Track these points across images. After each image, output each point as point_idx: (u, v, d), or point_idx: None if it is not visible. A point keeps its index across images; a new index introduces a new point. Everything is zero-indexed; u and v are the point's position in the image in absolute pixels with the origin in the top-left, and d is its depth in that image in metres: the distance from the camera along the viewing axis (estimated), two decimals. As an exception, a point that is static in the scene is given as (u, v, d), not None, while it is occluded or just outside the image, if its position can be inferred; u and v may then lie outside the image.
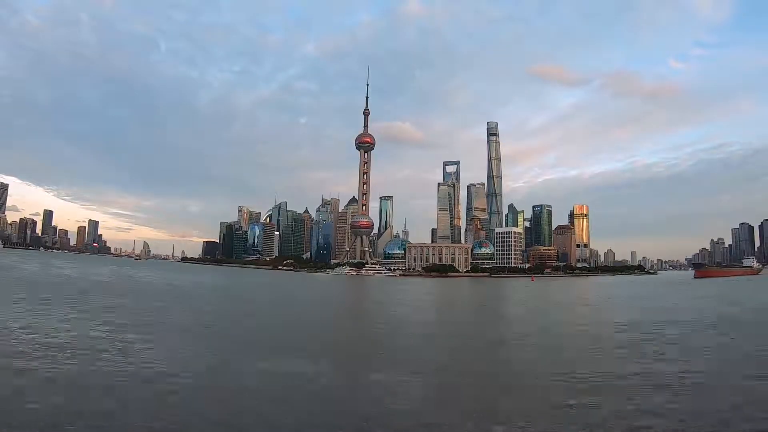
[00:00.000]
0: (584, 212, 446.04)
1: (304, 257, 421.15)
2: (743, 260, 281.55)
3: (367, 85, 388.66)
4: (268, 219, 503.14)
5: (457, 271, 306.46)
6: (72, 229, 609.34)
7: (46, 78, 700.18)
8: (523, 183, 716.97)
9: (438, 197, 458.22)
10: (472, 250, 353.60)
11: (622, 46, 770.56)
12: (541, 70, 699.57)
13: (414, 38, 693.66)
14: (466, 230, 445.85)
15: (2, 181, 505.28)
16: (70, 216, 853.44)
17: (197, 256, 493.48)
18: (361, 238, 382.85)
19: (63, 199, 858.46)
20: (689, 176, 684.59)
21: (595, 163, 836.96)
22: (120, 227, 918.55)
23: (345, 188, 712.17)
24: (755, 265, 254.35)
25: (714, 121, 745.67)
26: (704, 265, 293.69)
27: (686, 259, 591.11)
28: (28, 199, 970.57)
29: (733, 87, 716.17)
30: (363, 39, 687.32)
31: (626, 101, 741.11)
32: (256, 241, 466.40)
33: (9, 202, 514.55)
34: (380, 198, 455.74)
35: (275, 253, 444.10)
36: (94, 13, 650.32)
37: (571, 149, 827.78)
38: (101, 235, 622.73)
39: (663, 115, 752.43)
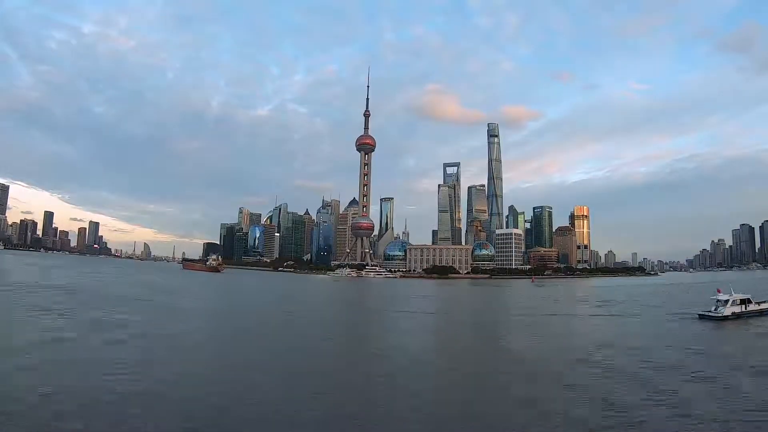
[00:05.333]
0: (584, 214, 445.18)
1: (305, 259, 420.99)
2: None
3: (368, 87, 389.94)
4: (268, 220, 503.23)
5: (458, 272, 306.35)
6: (73, 230, 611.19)
7: (61, 95, 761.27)
8: (512, 189, 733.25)
9: (438, 199, 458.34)
10: (472, 252, 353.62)
11: (589, 75, 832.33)
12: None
13: (392, 67, 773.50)
14: (466, 232, 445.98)
15: (2, 182, 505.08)
16: (71, 218, 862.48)
17: (197, 258, 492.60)
18: (362, 239, 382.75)
19: (67, 203, 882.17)
20: (684, 181, 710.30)
21: (577, 173, 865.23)
22: (122, 229, 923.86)
23: (345, 190, 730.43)
24: (212, 262, 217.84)
25: (687, 134, 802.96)
26: (191, 260, 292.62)
27: (687, 260, 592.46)
28: (34, 204, 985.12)
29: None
30: (347, 70, 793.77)
31: (601, 118, 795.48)
32: (256, 242, 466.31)
33: (15, 206, 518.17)
34: (381, 200, 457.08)
35: (276, 254, 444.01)
36: (111, 47, 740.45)
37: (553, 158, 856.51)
38: (102, 236, 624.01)
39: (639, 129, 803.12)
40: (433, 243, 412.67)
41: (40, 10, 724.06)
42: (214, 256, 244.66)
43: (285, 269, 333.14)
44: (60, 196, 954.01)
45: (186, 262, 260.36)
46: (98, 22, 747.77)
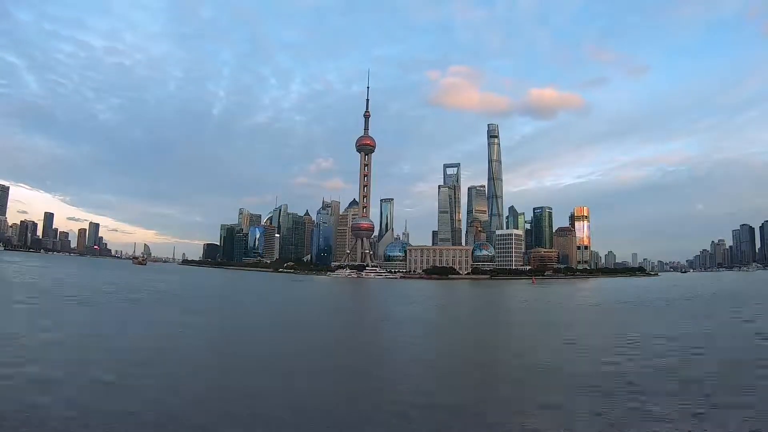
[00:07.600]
0: (585, 214, 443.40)
1: (305, 260, 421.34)
2: None
3: (368, 87, 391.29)
4: (268, 221, 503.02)
5: (458, 273, 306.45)
6: (74, 231, 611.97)
7: (66, 102, 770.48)
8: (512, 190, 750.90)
9: (438, 199, 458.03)
10: (472, 253, 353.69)
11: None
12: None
13: (386, 77, 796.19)
14: (466, 232, 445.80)
15: (3, 183, 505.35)
16: (71, 219, 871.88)
17: (198, 259, 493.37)
18: (362, 240, 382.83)
19: (69, 205, 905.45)
20: (680, 182, 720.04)
21: (575, 175, 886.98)
22: (123, 230, 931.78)
23: (346, 192, 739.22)
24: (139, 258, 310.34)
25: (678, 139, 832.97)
26: (135, 257, 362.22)
27: (687, 261, 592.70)
28: (36, 205, 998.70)
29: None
30: (342, 81, 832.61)
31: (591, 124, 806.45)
32: (256, 243, 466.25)
33: (16, 207, 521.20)
34: (381, 201, 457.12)
35: (276, 255, 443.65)
36: (116, 60, 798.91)
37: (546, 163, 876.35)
38: (102, 237, 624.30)
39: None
40: (433, 244, 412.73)
41: (52, 26, 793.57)
42: (141, 254, 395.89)
43: (285, 270, 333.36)
44: (62, 198, 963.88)
45: (134, 259, 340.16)
46: (106, 37, 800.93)
